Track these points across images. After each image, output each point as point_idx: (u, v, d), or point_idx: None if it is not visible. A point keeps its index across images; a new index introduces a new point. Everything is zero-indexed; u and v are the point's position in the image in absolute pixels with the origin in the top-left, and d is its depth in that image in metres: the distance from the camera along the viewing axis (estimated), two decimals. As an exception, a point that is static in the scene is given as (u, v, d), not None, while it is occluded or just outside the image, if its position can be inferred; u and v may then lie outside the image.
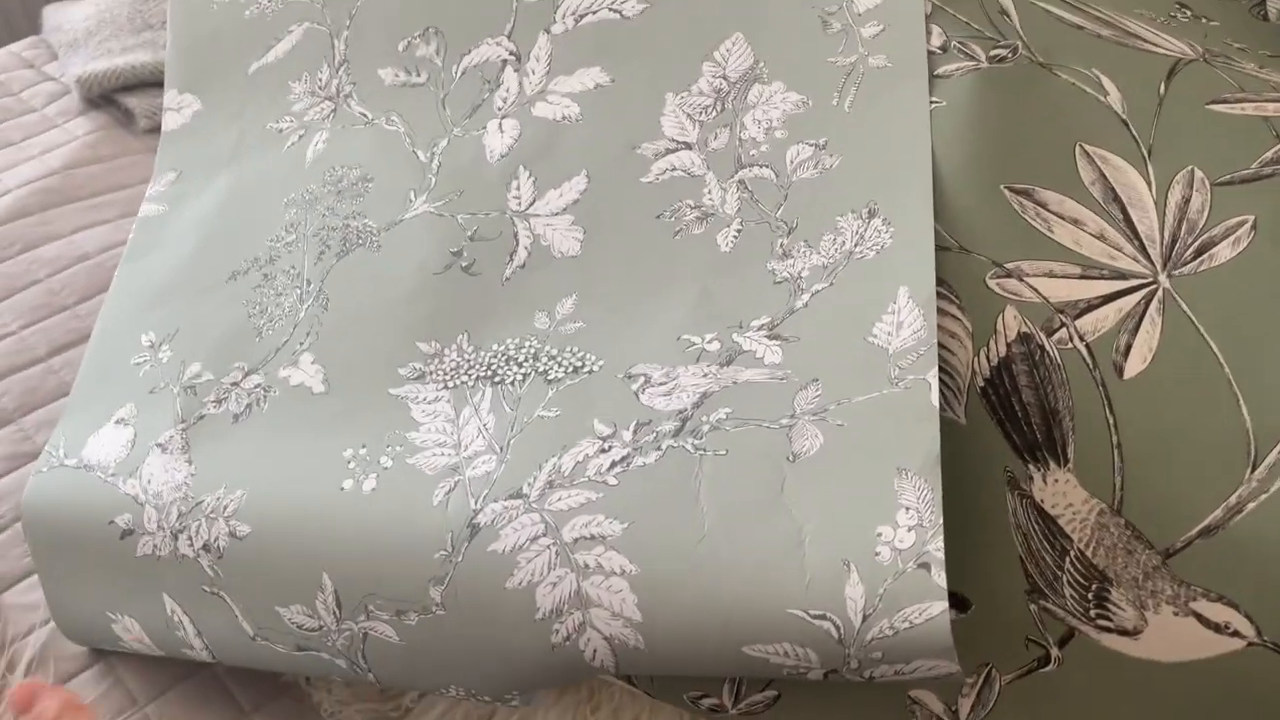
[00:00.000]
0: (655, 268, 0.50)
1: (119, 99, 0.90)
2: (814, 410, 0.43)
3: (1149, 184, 0.46)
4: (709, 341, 0.47)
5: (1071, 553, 0.41)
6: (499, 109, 0.57)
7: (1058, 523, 0.41)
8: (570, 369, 0.48)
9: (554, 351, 0.49)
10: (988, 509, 0.42)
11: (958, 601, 0.43)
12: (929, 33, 0.50)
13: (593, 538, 0.43)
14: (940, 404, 0.43)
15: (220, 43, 0.66)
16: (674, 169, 0.52)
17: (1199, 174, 0.45)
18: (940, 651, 0.37)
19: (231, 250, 0.59)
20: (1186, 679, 0.40)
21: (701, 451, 0.43)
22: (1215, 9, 0.61)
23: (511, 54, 0.58)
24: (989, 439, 0.43)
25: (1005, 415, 0.43)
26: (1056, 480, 0.42)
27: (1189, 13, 0.60)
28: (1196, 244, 0.44)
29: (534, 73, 0.57)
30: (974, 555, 0.42)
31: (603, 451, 0.45)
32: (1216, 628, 0.39)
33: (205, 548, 0.49)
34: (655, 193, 0.52)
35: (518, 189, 0.55)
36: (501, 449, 0.47)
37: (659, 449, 0.44)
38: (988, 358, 0.43)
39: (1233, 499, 0.40)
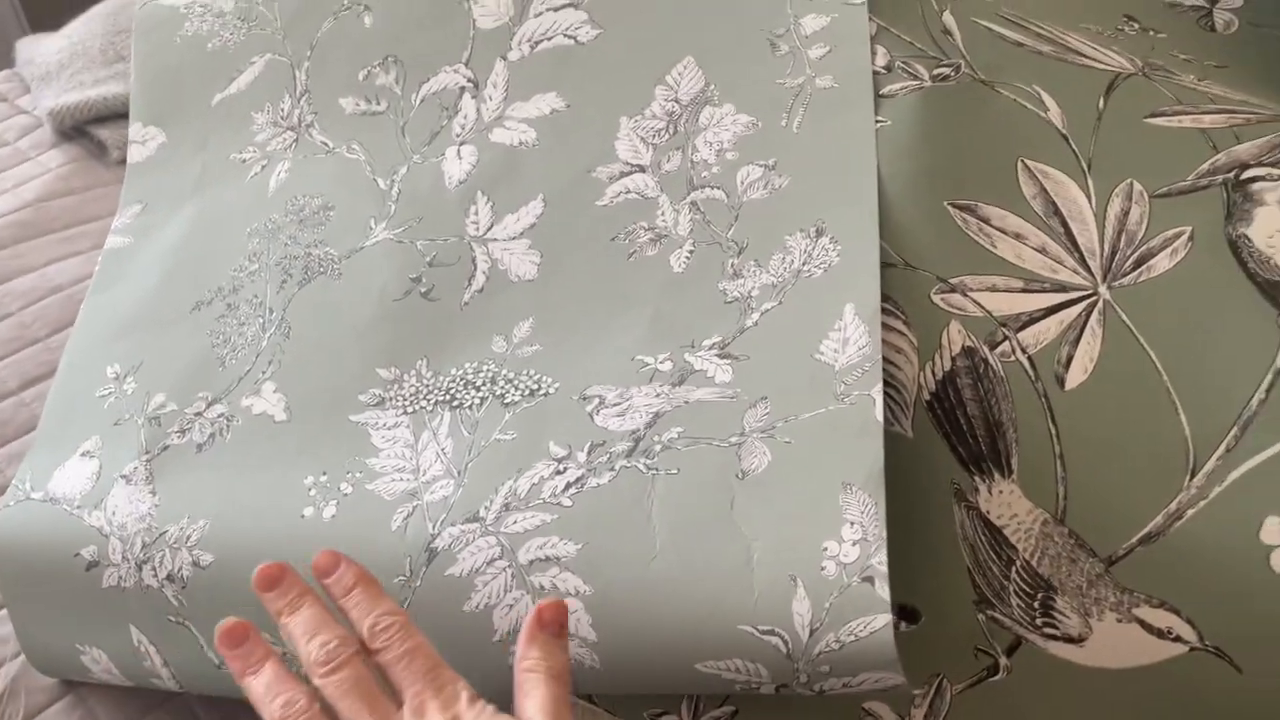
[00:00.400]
0: (610, 290, 0.51)
1: (91, 131, 0.90)
2: (762, 428, 0.44)
3: (1089, 197, 0.46)
4: (662, 361, 0.48)
5: (1017, 563, 0.42)
6: (457, 135, 0.58)
7: (1003, 533, 0.42)
8: (527, 392, 0.49)
9: (511, 375, 0.50)
10: (936, 521, 0.43)
11: (908, 613, 0.43)
12: (874, 53, 0.51)
13: (548, 559, 0.43)
14: (887, 418, 0.44)
15: (183, 75, 0.67)
16: (628, 192, 0.53)
17: (1138, 186, 0.46)
18: (885, 664, 0.38)
19: (196, 281, 0.59)
20: (1131, 685, 0.41)
21: (654, 471, 0.44)
22: (1163, 21, 0.62)
23: (469, 81, 0.59)
24: (936, 452, 0.43)
25: (951, 428, 0.43)
26: (1001, 491, 0.42)
27: (1137, 25, 0.61)
28: (1135, 255, 0.45)
29: (491, 99, 0.58)
30: (923, 567, 0.43)
31: (558, 473, 0.45)
32: (1159, 633, 0.40)
33: (169, 578, 0.49)
34: (610, 215, 0.53)
35: (476, 214, 0.55)
36: (459, 473, 0.47)
37: (612, 469, 0.45)
38: (933, 372, 0.44)
39: (1173, 506, 0.41)
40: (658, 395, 0.46)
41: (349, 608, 0.39)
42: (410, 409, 0.50)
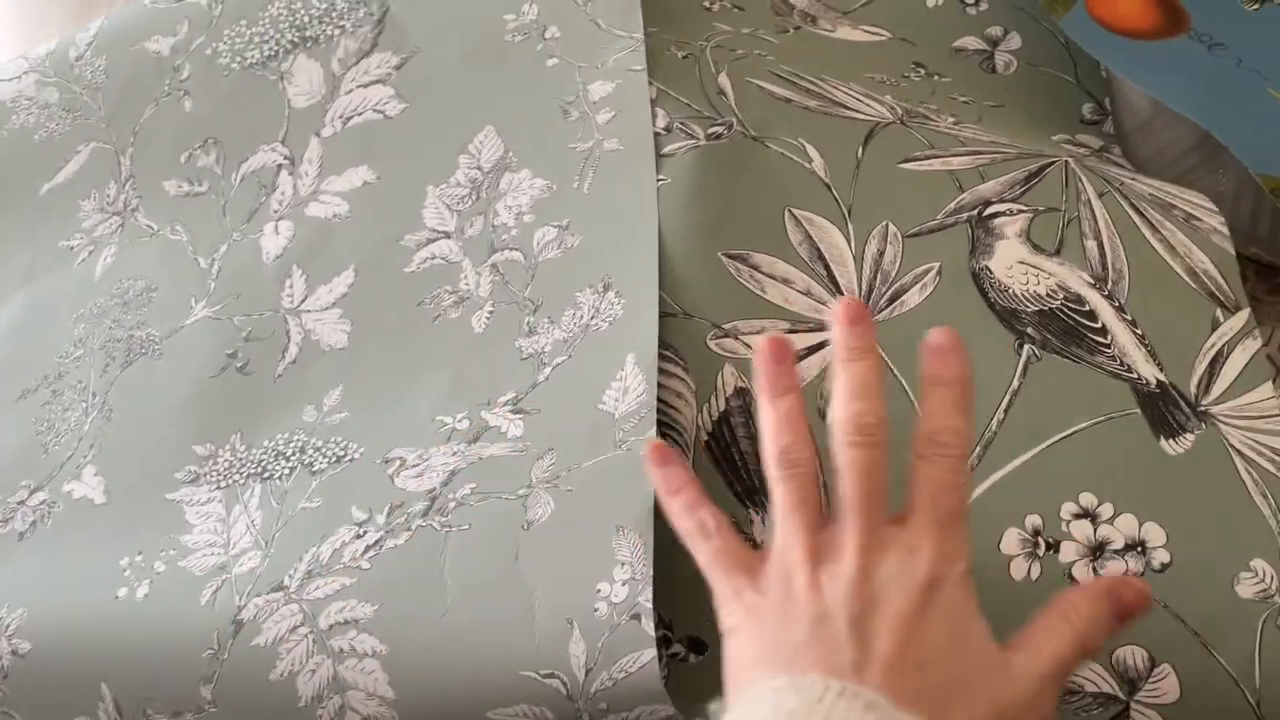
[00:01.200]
0: (416, 353, 0.53)
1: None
2: (548, 478, 0.46)
3: (849, 241, 0.50)
4: (460, 420, 0.49)
5: (790, 589, 0.44)
6: (275, 212, 0.60)
7: (776, 562, 0.44)
8: (334, 459, 0.50)
9: (319, 443, 0.51)
10: (717, 555, 0.45)
11: (696, 644, 0.45)
12: (655, 116, 0.54)
13: (346, 622, 0.44)
14: (671, 460, 0.46)
15: (12, 167, 0.68)
16: (434, 258, 0.55)
17: (892, 228, 0.50)
18: (655, 696, 0.40)
19: (23, 370, 0.60)
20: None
21: (447, 528, 0.46)
22: (948, 66, 0.66)
23: (286, 158, 0.61)
24: (715, 489, 0.46)
25: (727, 465, 0.46)
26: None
27: (923, 71, 0.65)
28: (890, 292, 0.48)
29: (307, 175, 0.60)
30: (707, 601, 0.45)
31: (358, 537, 0.47)
32: (918, 645, 0.43)
33: (-10, 668, 0.50)
34: (417, 281, 0.55)
35: (291, 287, 0.57)
36: (267, 543, 0.48)
37: (409, 529, 0.46)
38: (710, 413, 0.47)
39: (923, 524, 0.44)
40: (454, 454, 0.48)
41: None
42: (224, 484, 0.52)
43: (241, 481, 0.51)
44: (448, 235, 0.56)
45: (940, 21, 0.67)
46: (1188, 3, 0.61)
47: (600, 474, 0.45)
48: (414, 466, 0.48)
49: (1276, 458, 0.44)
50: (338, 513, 0.48)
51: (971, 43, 0.66)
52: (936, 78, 0.65)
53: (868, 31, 0.66)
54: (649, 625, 0.40)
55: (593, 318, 0.50)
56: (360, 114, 0.60)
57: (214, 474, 0.52)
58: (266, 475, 0.51)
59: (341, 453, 0.50)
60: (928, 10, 0.66)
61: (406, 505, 0.47)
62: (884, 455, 0.34)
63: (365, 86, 0.61)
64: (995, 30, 0.66)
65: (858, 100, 0.56)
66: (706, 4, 0.64)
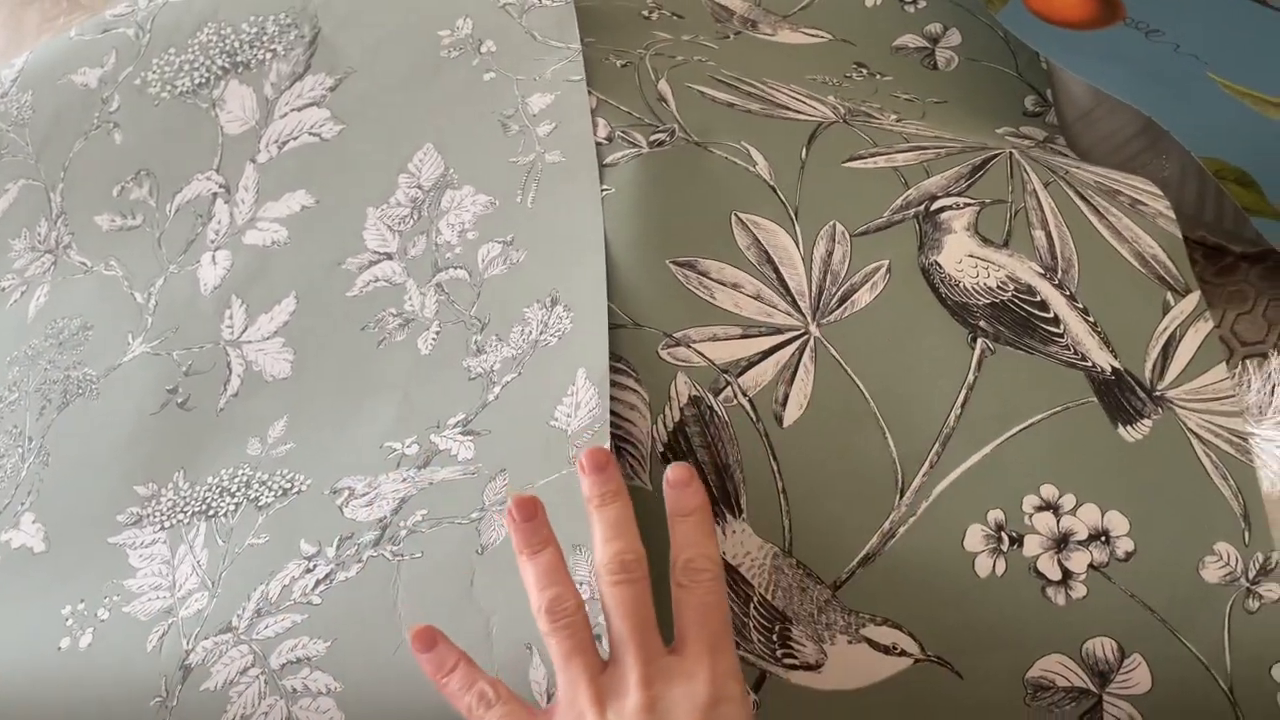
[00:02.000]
0: (361, 379, 0.51)
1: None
2: (501, 500, 0.44)
3: (797, 242, 0.49)
4: (409, 445, 0.48)
5: (754, 599, 0.43)
6: (212, 241, 0.58)
7: (739, 571, 0.43)
8: (280, 492, 0.49)
9: (265, 477, 0.50)
10: (678, 569, 0.44)
11: (661, 663, 0.44)
12: (596, 125, 0.53)
13: (299, 660, 0.43)
14: (627, 474, 0.45)
15: (-63, 209, 0.66)
16: (377, 280, 0.54)
17: (840, 228, 0.49)
18: (619, 718, 0.39)
19: (-46, 417, 0.58)
20: (868, 702, 0.42)
21: (399, 557, 0.44)
22: (889, 65, 0.66)
23: (221, 186, 0.59)
24: (673, 501, 0.45)
25: (684, 477, 0.45)
26: (734, 531, 0.44)
27: (865, 71, 0.65)
28: (840, 292, 0.48)
29: (243, 202, 0.59)
30: (669, 613, 0.44)
31: (307, 571, 0.45)
32: (886, 649, 0.42)
33: (-73, 731, 0.48)
34: (360, 305, 0.54)
35: (230, 318, 0.55)
36: (213, 584, 0.47)
37: (360, 561, 0.45)
38: (664, 424, 0.46)
39: (886, 525, 0.43)
40: (404, 480, 0.47)
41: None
42: (168, 524, 0.50)
43: (186, 521, 0.50)
44: (390, 256, 0.54)
45: (879, 21, 0.67)
46: (1122, -9, 0.62)
47: (554, 493, 0.43)
48: (363, 495, 0.47)
49: (1234, 439, 0.44)
50: (286, 547, 0.46)
51: (912, 40, 0.66)
52: (879, 77, 0.65)
53: (808, 34, 0.66)
54: (608, 646, 0.39)
55: (541, 333, 0.49)
56: (296, 138, 0.59)
57: (157, 514, 0.50)
58: (211, 513, 0.49)
59: (288, 485, 0.49)
60: (866, 10, 0.66)
61: (357, 536, 0.46)
62: (648, 588, 0.37)
63: (300, 110, 0.60)
64: (935, 27, 0.66)
65: (800, 101, 0.56)
66: (644, 12, 0.64)
